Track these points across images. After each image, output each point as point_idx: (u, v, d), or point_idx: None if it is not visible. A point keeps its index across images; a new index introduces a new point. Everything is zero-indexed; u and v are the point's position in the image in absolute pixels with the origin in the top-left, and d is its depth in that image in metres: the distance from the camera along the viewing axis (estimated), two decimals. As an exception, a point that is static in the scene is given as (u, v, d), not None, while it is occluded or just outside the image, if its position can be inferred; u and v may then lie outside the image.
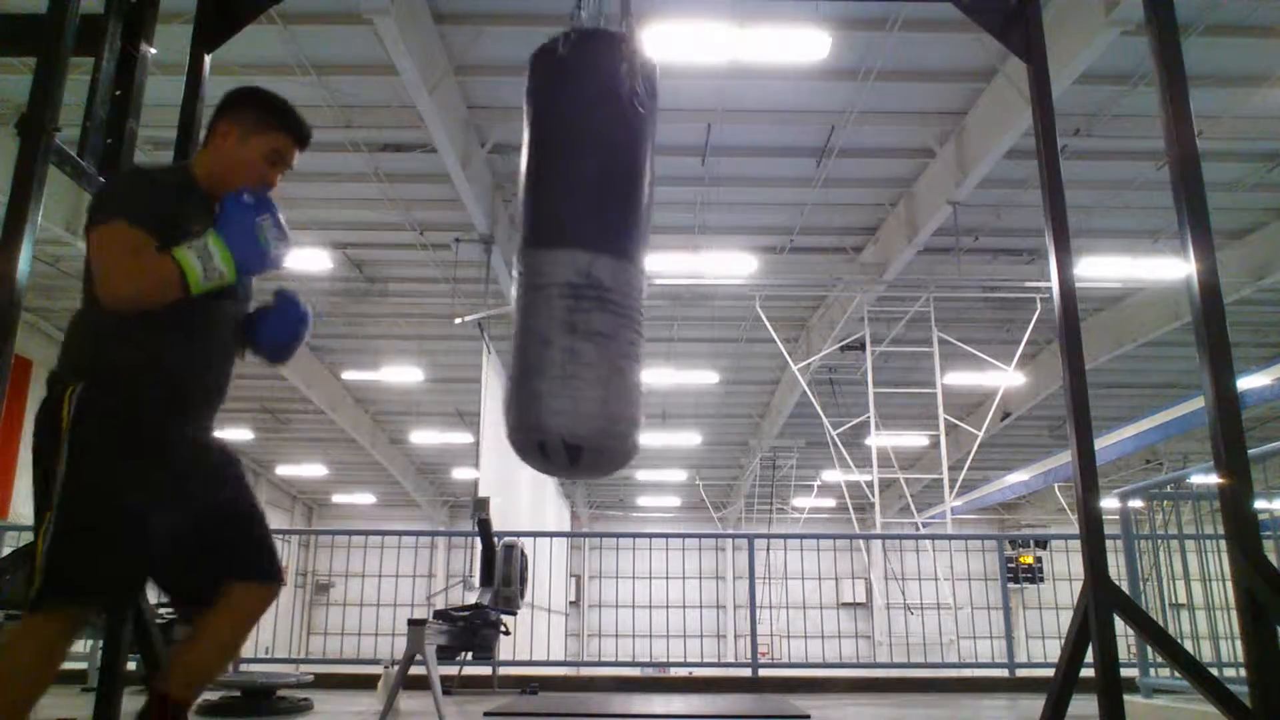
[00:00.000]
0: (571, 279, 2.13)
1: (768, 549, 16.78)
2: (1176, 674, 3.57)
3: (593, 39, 2.42)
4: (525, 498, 11.19)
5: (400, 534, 17.48)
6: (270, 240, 2.08)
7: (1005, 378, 12.95)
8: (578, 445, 2.07)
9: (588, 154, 2.31)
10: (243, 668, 6.76)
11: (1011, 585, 15.87)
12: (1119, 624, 2.71)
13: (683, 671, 9.61)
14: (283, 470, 22.34)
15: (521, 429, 2.13)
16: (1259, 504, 2.83)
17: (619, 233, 2.25)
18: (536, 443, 2.10)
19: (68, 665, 5.89)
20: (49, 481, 1.93)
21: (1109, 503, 4.45)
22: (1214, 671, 3.16)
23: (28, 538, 5.46)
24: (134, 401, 1.96)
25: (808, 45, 7.11)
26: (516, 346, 2.19)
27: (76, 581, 1.86)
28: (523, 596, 5.72)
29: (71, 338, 2.03)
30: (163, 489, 1.94)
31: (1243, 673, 2.66)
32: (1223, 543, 2.81)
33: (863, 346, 12.46)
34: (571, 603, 21.18)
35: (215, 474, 2.09)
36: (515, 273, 2.30)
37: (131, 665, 2.80)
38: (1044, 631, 8.21)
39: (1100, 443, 10.52)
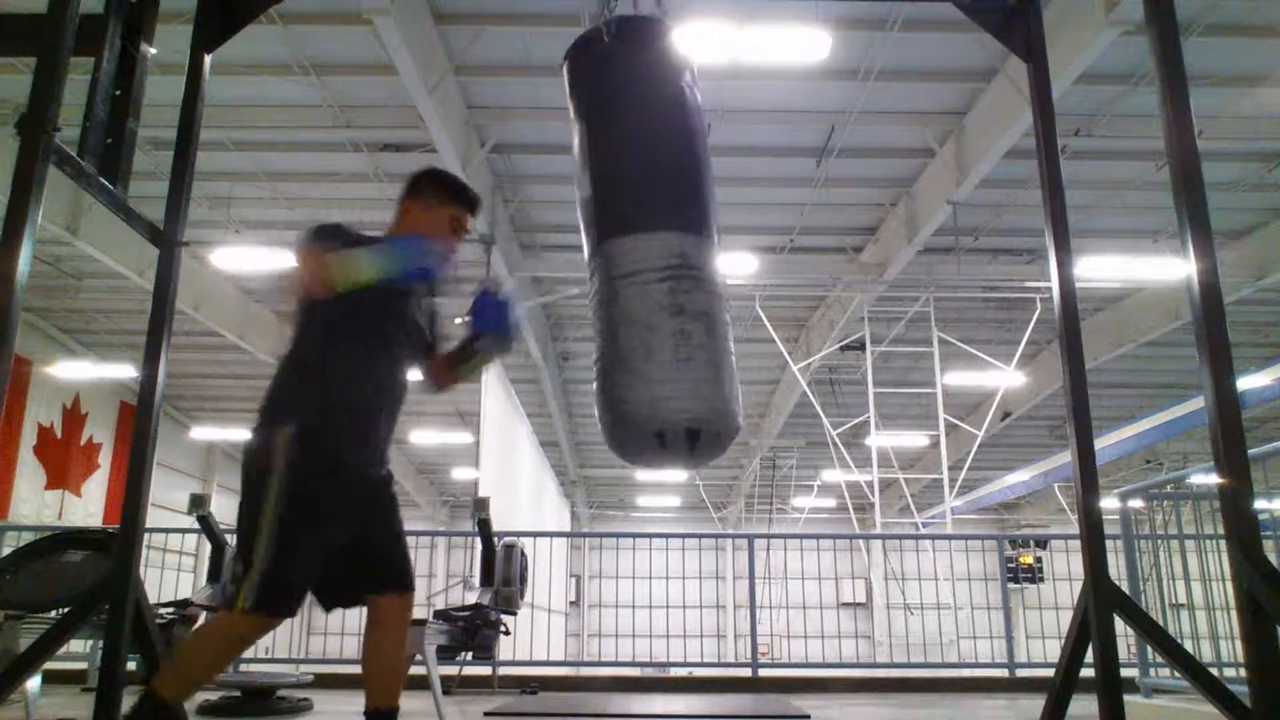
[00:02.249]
0: (669, 262, 2.07)
1: (768, 549, 16.79)
2: (1176, 674, 3.57)
3: (636, 25, 2.37)
4: (525, 498, 11.19)
5: (400, 534, 17.50)
6: (423, 256, 2.26)
7: (1005, 378, 12.95)
8: (697, 429, 2.01)
9: (657, 138, 2.26)
10: (243, 668, 6.76)
11: (1011, 585, 15.86)
12: (1119, 624, 2.71)
13: (683, 671, 9.61)
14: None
15: (633, 422, 2.05)
16: (1259, 504, 2.83)
17: (699, 212, 2.21)
18: (653, 433, 2.03)
19: (68, 665, 5.91)
20: (257, 508, 2.21)
21: (1109, 503, 4.45)
22: (1214, 671, 3.15)
23: (28, 537, 5.46)
24: (332, 440, 2.29)
25: (808, 45, 7.10)
26: (609, 339, 2.11)
27: (284, 596, 2.21)
28: (523, 596, 5.72)
29: (279, 378, 2.38)
30: (350, 516, 2.30)
31: (1243, 673, 2.66)
32: (1223, 543, 2.81)
33: (863, 346, 12.47)
34: (571, 603, 21.18)
35: (385, 500, 2.43)
36: (593, 266, 2.23)
37: (131, 665, 2.80)
38: (1044, 631, 8.21)
39: (1100, 443, 10.52)
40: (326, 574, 2.31)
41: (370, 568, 2.38)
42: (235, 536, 2.35)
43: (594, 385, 2.17)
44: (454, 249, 2.50)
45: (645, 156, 2.26)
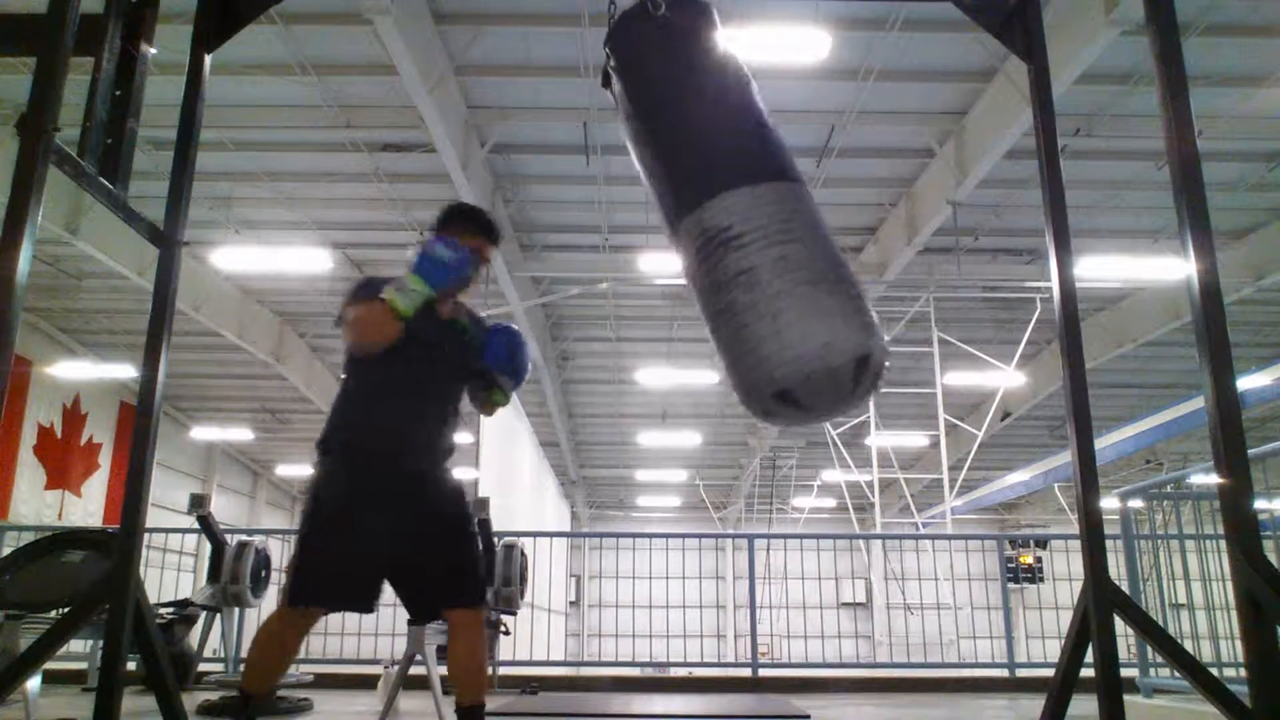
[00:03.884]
0: (705, 239, 2.04)
1: (768, 549, 16.79)
2: (1176, 674, 3.57)
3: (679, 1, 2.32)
4: (525, 498, 11.18)
5: (400, 534, 17.49)
6: (448, 254, 2.42)
7: (1005, 378, 12.95)
8: (812, 368, 1.87)
9: (716, 103, 2.24)
10: (243, 668, 6.76)
11: (1011, 585, 15.85)
12: (1119, 624, 2.71)
13: (683, 671, 9.61)
14: (283, 470, 22.34)
15: (757, 386, 1.96)
16: (1259, 504, 2.83)
17: (765, 155, 2.19)
18: (775, 393, 1.92)
19: (68, 665, 5.91)
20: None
21: (1109, 503, 4.45)
22: (1214, 671, 3.15)
23: (28, 537, 5.46)
24: (338, 464, 2.55)
25: (808, 45, 7.11)
26: (715, 317, 2.03)
27: (307, 590, 2.49)
28: (523, 596, 5.72)
29: (332, 408, 2.68)
30: (370, 516, 2.48)
31: (1243, 673, 2.66)
32: (1223, 543, 2.81)
33: (863, 346, 12.45)
34: (571, 603, 21.18)
35: (425, 516, 2.55)
36: (683, 246, 2.17)
37: (131, 665, 2.80)
38: (1044, 631, 8.19)
39: (1100, 443, 10.53)
40: (364, 574, 2.52)
41: (434, 583, 2.60)
42: None
43: (717, 364, 2.17)
44: (474, 280, 2.68)
45: (703, 124, 2.24)
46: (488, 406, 2.83)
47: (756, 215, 2.02)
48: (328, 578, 2.50)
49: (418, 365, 2.60)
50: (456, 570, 2.60)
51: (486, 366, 2.70)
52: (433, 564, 2.56)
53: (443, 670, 5.32)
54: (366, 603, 2.54)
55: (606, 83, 2.50)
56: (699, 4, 2.40)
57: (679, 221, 2.15)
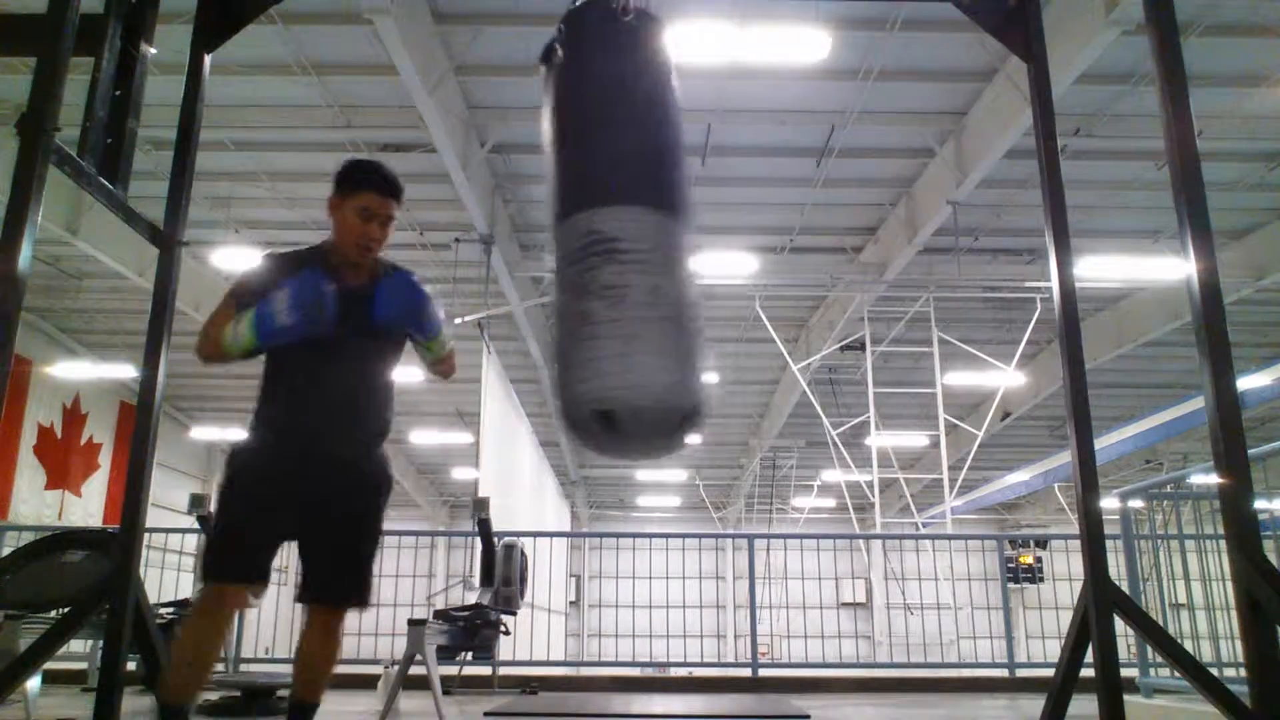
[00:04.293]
0: (580, 243, 2.02)
1: (768, 549, 16.79)
2: (1176, 674, 3.57)
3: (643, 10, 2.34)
4: (525, 498, 11.18)
5: (400, 534, 17.43)
6: (278, 314, 2.28)
7: (1005, 378, 12.95)
8: (608, 411, 1.90)
9: (636, 119, 2.23)
10: (243, 668, 6.76)
11: (1011, 585, 15.85)
12: (1119, 624, 2.71)
13: (683, 671, 9.61)
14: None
15: (558, 414, 2.00)
16: (1259, 504, 2.83)
17: (618, 178, 2.14)
18: (596, 414, 1.93)
19: (68, 665, 5.91)
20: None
21: (1109, 503, 4.45)
22: (1214, 671, 3.15)
23: (29, 537, 5.46)
24: (253, 444, 2.47)
25: (808, 45, 7.10)
26: (554, 327, 2.09)
27: (224, 560, 2.40)
28: (523, 596, 5.72)
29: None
30: (257, 509, 2.40)
31: (1243, 673, 2.66)
32: (1223, 543, 2.81)
33: (863, 346, 12.47)
34: (571, 603, 21.18)
35: (333, 506, 2.46)
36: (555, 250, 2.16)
37: (131, 665, 2.80)
38: (1044, 631, 8.20)
39: (1100, 443, 10.52)
40: (272, 540, 2.44)
41: (324, 573, 2.51)
42: None
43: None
44: (374, 240, 2.48)
45: (578, 136, 2.24)
46: (431, 366, 2.69)
47: (645, 238, 2.01)
48: (238, 554, 2.40)
49: (328, 346, 2.43)
50: (347, 569, 2.51)
51: (382, 328, 2.47)
52: (328, 555, 2.49)
53: (443, 670, 5.33)
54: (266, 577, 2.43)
55: (547, 58, 2.44)
56: (658, 19, 2.40)
57: (571, 214, 2.11)
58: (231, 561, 2.38)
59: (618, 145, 2.17)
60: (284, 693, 4.75)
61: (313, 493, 2.43)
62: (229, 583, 2.38)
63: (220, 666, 6.21)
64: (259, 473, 2.43)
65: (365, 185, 2.48)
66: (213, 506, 2.56)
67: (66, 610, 2.96)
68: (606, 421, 1.92)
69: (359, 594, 2.53)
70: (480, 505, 5.68)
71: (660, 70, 2.35)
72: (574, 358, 1.95)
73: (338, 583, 2.51)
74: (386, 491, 2.59)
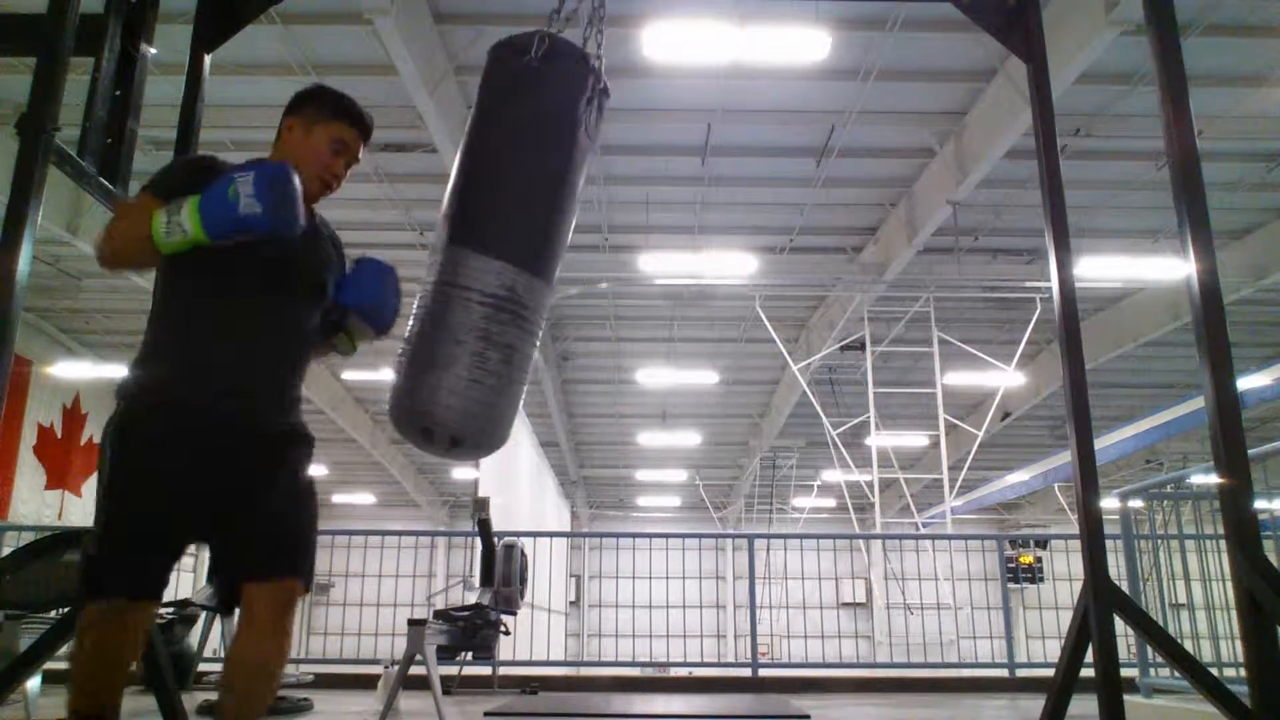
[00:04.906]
0: (496, 291, 2.20)
1: (768, 549, 16.78)
2: (1176, 674, 3.57)
3: (562, 53, 2.37)
4: (525, 498, 11.18)
5: (400, 534, 17.47)
6: (243, 197, 1.85)
7: (1005, 378, 12.95)
8: (461, 438, 2.21)
9: (536, 169, 2.33)
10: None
11: (1011, 585, 15.85)
12: (1119, 624, 2.71)
13: (683, 671, 9.61)
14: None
15: (412, 413, 2.22)
16: (1259, 504, 2.83)
17: (545, 255, 2.32)
18: (421, 428, 2.21)
19: (68, 665, 5.90)
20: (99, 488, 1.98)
21: (1109, 503, 4.45)
22: (1214, 671, 3.15)
23: (28, 537, 5.46)
24: (146, 418, 1.94)
25: (808, 45, 7.10)
26: (421, 332, 2.22)
27: (104, 581, 1.90)
28: (523, 596, 5.72)
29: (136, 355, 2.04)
30: (174, 495, 1.91)
31: (1243, 673, 2.66)
32: (1223, 543, 2.81)
33: (863, 346, 12.47)
34: (571, 603, 21.17)
35: (264, 463, 2.01)
36: (435, 262, 2.27)
37: (131, 665, 2.80)
38: (1044, 631, 8.21)
39: (1100, 443, 10.52)
40: (184, 538, 1.98)
41: (250, 551, 1.98)
42: None
43: (396, 360, 2.27)
44: (337, 178, 2.19)
45: (514, 184, 2.31)
46: (327, 351, 2.31)
47: (538, 307, 2.32)
48: (134, 557, 1.90)
49: (270, 281, 2.03)
50: (284, 543, 2.00)
51: (346, 308, 2.20)
52: (267, 526, 1.98)
53: (443, 670, 5.34)
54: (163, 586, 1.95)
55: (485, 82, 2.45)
56: (582, 61, 2.40)
57: (470, 247, 2.24)
58: (124, 568, 1.88)
59: (540, 212, 2.33)
60: (284, 692, 4.75)
61: (239, 471, 1.96)
62: (120, 598, 1.88)
63: (220, 666, 6.20)
64: (170, 446, 1.90)
65: (344, 115, 2.23)
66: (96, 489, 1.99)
67: (66, 610, 2.96)
68: (454, 441, 2.22)
69: (307, 565, 2.04)
70: (480, 505, 5.68)
71: (564, 124, 2.36)
72: (453, 385, 2.17)
73: (283, 555, 1.99)
74: (308, 464, 2.14)
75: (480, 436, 2.24)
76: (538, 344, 2.39)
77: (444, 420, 2.18)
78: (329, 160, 2.17)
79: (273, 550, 1.98)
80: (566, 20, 2.58)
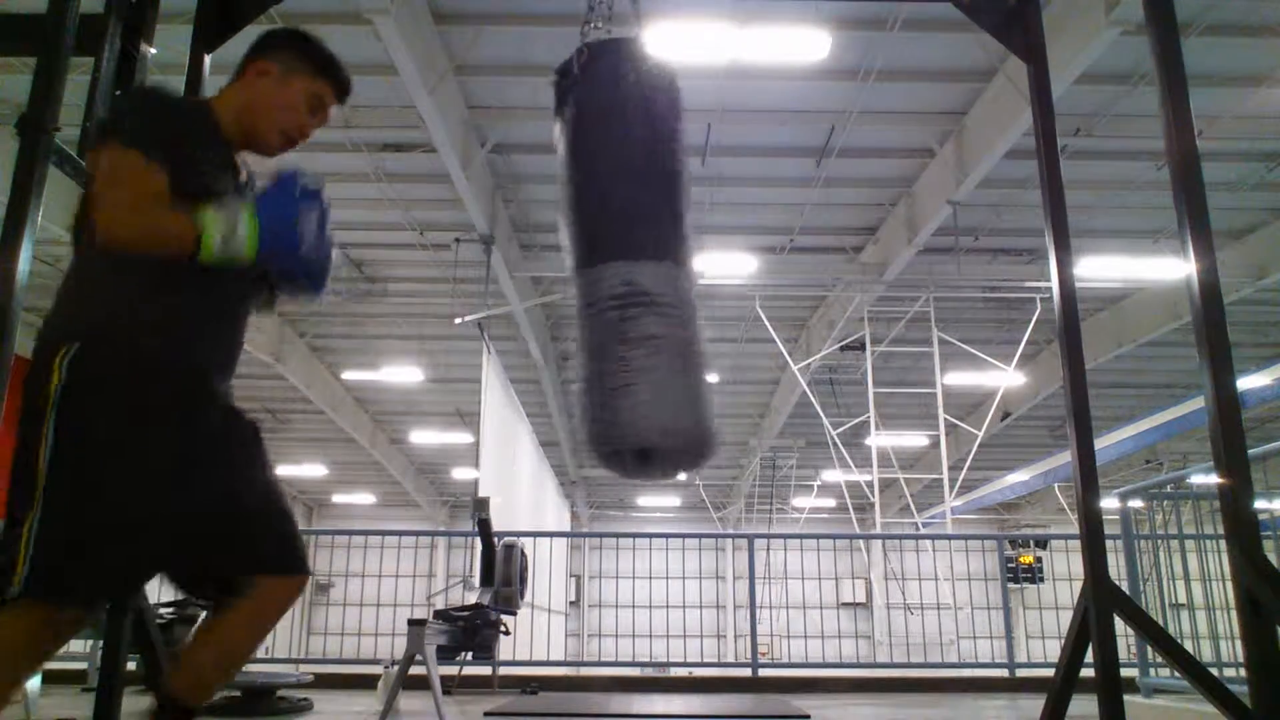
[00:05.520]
0: (617, 290, 2.17)
1: (768, 549, 16.80)
2: (1176, 674, 3.57)
3: (607, 49, 2.41)
4: (525, 498, 11.18)
5: (400, 534, 17.51)
6: (307, 238, 1.71)
7: (1005, 378, 12.95)
8: (648, 450, 2.11)
9: (615, 170, 2.31)
10: (243, 668, 6.74)
11: (1011, 585, 15.85)
12: (1119, 624, 2.71)
13: (683, 671, 9.61)
14: (282, 470, 22.35)
15: (595, 442, 2.16)
16: (1259, 504, 2.83)
17: (655, 235, 2.26)
18: (609, 453, 2.14)
19: (68, 665, 5.90)
20: (33, 463, 1.59)
21: (1109, 503, 4.45)
22: (1214, 671, 3.15)
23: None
24: (143, 366, 1.67)
25: (808, 45, 7.11)
26: (582, 362, 2.23)
27: (65, 582, 1.56)
28: (523, 596, 5.72)
29: (66, 291, 1.73)
30: (173, 474, 1.65)
31: (1243, 673, 2.66)
32: (1223, 543, 2.81)
33: (863, 346, 12.47)
34: (571, 603, 21.17)
35: (237, 456, 1.80)
36: (574, 288, 2.28)
37: (131, 665, 2.80)
38: (1044, 631, 8.20)
39: (1100, 443, 10.51)
40: (167, 555, 1.69)
41: (233, 542, 1.76)
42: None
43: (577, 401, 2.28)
44: (305, 136, 1.97)
45: (602, 189, 2.30)
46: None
47: (674, 293, 2.20)
48: (137, 559, 1.64)
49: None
50: (274, 527, 1.82)
51: (269, 269, 1.78)
52: (259, 516, 1.80)
53: (443, 670, 5.34)
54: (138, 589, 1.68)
55: (559, 107, 2.48)
56: (622, 61, 2.41)
57: (579, 266, 2.25)
58: (99, 568, 1.58)
59: (641, 201, 2.27)
60: (284, 692, 4.75)
61: (221, 452, 1.76)
62: (71, 605, 1.61)
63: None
64: (179, 416, 1.67)
65: (329, 74, 1.98)
66: (41, 463, 1.59)
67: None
68: (642, 457, 2.13)
69: (302, 555, 1.84)
70: (480, 505, 5.68)
71: (663, 121, 2.38)
72: (611, 400, 2.11)
73: (289, 542, 1.83)
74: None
75: (667, 438, 2.09)
76: (695, 324, 2.24)
77: (619, 438, 2.09)
78: (303, 120, 1.95)
79: (286, 544, 1.85)
80: (607, 19, 2.57)
